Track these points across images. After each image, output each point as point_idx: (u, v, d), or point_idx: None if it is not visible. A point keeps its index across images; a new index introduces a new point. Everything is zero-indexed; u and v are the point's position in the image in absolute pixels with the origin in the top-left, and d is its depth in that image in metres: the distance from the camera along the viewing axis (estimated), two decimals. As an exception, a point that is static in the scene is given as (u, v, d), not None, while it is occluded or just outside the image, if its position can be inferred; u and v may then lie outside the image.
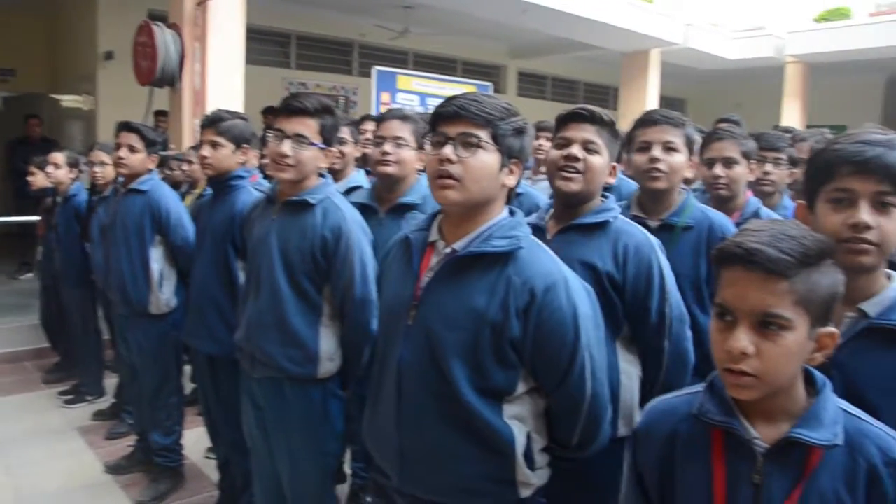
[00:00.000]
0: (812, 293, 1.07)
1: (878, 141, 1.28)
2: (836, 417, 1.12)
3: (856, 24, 11.17)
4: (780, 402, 1.13)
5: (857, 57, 11.38)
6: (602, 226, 1.89)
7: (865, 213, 1.27)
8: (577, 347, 1.51)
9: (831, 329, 1.12)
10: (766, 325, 1.07)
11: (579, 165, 1.87)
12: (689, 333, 1.92)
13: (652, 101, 10.97)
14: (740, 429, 1.14)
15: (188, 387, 4.06)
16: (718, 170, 2.61)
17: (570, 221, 1.92)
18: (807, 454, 1.11)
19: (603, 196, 1.96)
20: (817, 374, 1.17)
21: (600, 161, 1.89)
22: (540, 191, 3.43)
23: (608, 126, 1.91)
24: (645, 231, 1.93)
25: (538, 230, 1.90)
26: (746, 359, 1.07)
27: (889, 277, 1.36)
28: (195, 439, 3.81)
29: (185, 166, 4.59)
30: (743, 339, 1.07)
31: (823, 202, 1.33)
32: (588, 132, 1.89)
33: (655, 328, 1.87)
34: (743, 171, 2.63)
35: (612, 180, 1.96)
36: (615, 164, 1.95)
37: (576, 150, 1.88)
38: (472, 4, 8.63)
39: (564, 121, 1.94)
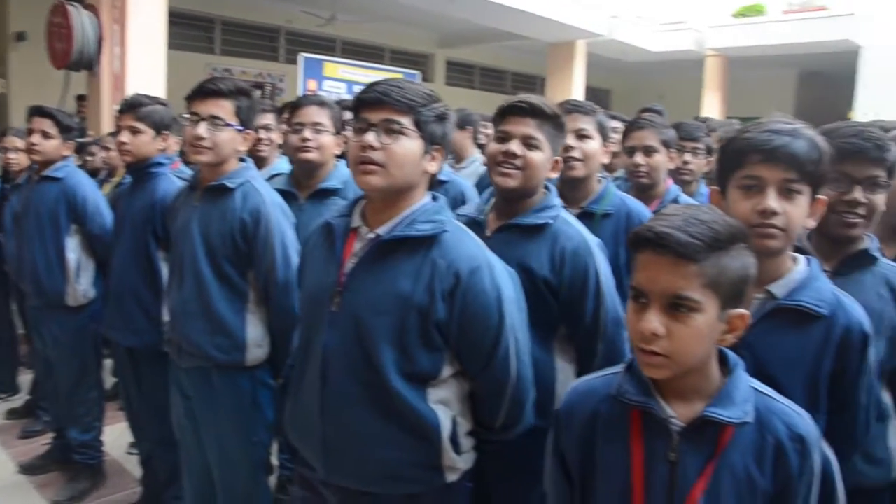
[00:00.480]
0: (721, 276, 1.11)
1: (785, 130, 1.33)
2: (747, 396, 1.17)
3: (771, 21, 11.64)
4: (694, 381, 1.17)
5: (772, 52, 11.86)
6: (541, 227, 1.84)
7: (773, 200, 1.32)
8: (502, 330, 1.53)
9: (742, 311, 1.16)
10: (676, 307, 1.10)
11: (518, 162, 1.81)
12: (625, 335, 1.86)
13: (578, 91, 11.15)
14: (657, 408, 1.17)
15: (108, 381, 3.93)
16: (639, 158, 2.68)
17: (510, 217, 1.87)
18: (720, 432, 1.15)
19: (546, 188, 1.92)
20: (731, 354, 1.21)
21: (540, 157, 1.83)
22: (465, 178, 3.46)
23: (551, 119, 1.84)
24: (584, 232, 1.88)
25: (477, 225, 1.87)
26: (657, 339, 1.10)
27: (794, 260, 1.42)
28: (116, 435, 3.69)
29: (104, 153, 4.43)
30: (653, 321, 1.11)
31: (734, 188, 1.38)
32: (529, 127, 1.82)
33: (589, 331, 1.85)
34: (663, 160, 2.71)
35: (554, 175, 1.91)
36: (558, 158, 1.90)
37: (514, 145, 1.81)
38: (401, -8, 8.60)
39: (504, 114, 1.87)
